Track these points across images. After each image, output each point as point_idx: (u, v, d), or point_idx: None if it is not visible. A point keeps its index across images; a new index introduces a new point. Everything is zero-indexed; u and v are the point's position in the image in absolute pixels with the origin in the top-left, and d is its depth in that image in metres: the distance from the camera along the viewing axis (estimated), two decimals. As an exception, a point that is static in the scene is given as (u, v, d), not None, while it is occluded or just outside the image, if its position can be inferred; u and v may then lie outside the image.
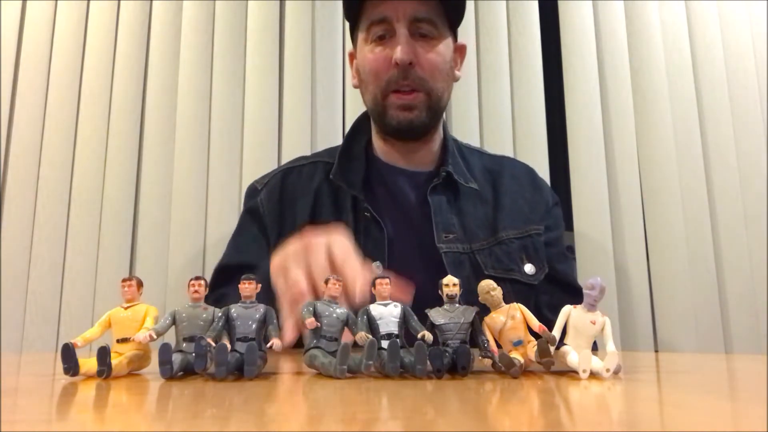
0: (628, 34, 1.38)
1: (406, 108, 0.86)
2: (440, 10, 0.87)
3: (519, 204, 0.93)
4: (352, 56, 0.96)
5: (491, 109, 1.35)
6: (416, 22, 0.84)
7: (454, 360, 0.44)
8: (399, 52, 0.82)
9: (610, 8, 1.39)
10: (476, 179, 0.94)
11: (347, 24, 1.42)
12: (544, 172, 1.32)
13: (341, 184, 0.90)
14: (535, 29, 1.39)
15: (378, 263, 0.62)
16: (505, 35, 1.39)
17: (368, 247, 0.84)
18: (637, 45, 1.38)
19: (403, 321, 0.46)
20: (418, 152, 0.93)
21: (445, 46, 0.88)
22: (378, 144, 0.96)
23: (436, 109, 0.88)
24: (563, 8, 1.40)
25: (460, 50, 0.95)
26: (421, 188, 0.91)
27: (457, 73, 0.94)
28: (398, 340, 0.45)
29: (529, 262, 0.88)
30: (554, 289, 0.89)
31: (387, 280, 0.47)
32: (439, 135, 0.95)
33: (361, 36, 0.90)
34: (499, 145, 1.32)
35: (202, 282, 0.46)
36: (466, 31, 1.38)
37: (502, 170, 0.98)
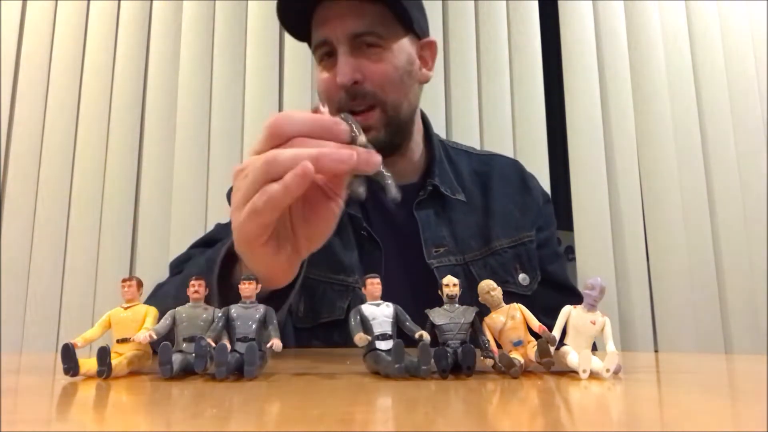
0: (628, 34, 1.38)
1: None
2: (387, 14, 0.80)
3: (509, 209, 0.91)
4: None
5: (491, 109, 1.35)
6: (357, 38, 0.79)
7: (456, 360, 0.44)
8: (338, 75, 0.78)
9: (610, 8, 1.39)
10: (465, 186, 0.91)
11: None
12: (544, 172, 1.32)
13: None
14: (535, 29, 1.39)
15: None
16: (505, 35, 1.39)
17: (364, 266, 0.83)
18: (637, 45, 1.38)
19: (396, 321, 0.46)
20: (396, 166, 0.88)
21: (397, 52, 0.82)
22: None
23: (396, 122, 0.82)
24: (563, 8, 1.40)
25: (427, 47, 0.88)
26: (407, 203, 0.87)
27: (425, 72, 0.88)
28: (401, 340, 0.44)
29: (523, 271, 0.87)
30: (548, 291, 0.87)
31: (377, 280, 0.46)
32: (416, 144, 0.91)
33: (315, 57, 0.87)
34: (499, 145, 1.32)
35: (203, 282, 0.46)
36: (465, 31, 1.38)
37: (491, 171, 0.95)
